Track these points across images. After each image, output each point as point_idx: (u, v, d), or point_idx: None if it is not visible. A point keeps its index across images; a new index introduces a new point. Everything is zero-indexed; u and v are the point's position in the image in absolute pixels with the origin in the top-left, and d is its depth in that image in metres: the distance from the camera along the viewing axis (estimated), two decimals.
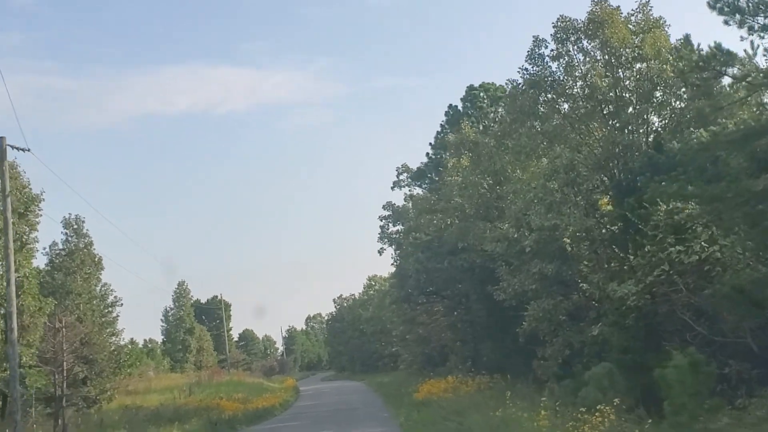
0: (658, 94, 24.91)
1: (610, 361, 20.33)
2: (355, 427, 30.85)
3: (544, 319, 23.55)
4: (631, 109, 24.61)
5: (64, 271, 53.39)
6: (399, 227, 50.52)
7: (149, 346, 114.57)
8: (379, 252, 51.81)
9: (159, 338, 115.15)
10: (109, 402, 47.88)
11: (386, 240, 50.92)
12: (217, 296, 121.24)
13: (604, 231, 22.84)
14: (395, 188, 48.56)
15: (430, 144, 46.21)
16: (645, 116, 24.77)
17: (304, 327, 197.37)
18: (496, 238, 24.42)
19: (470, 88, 42.16)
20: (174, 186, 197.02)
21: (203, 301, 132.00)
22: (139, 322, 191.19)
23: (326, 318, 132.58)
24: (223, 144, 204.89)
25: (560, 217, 22.65)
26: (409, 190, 49.38)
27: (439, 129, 44.88)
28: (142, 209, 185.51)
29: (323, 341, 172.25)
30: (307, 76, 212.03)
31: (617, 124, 24.08)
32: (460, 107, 42.74)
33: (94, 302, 56.38)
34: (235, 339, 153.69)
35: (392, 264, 52.47)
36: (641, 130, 24.43)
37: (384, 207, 50.06)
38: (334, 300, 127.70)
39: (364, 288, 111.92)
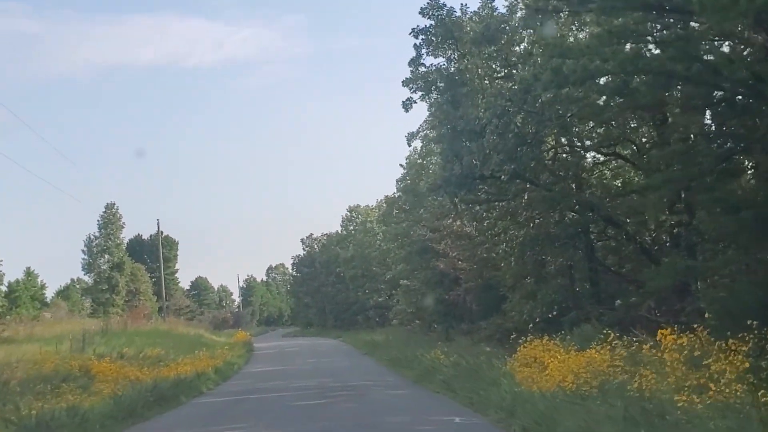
0: None
1: None
2: None
3: None
4: None
5: None
6: (442, 59, 27.25)
7: (77, 286, 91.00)
8: (404, 105, 28.36)
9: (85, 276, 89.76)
10: None
11: (419, 82, 27.57)
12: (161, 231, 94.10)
13: None
14: None
15: None
16: None
17: (265, 278, 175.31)
18: None
19: None
20: (135, 137, 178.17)
21: (145, 237, 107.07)
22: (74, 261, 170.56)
23: (292, 262, 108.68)
24: (188, 97, 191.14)
25: None
26: None
27: None
28: (100, 159, 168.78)
29: (286, 294, 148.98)
30: (275, 33, 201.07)
31: None
32: None
33: None
34: (186, 288, 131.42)
35: (427, 120, 30.24)
36: None
37: (423, 11, 26.35)
38: (302, 240, 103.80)
39: (343, 221, 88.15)
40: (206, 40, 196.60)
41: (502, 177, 22.49)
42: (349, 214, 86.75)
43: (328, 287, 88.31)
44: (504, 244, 31.41)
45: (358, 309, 76.95)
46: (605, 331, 17.03)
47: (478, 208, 31.52)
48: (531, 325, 27.23)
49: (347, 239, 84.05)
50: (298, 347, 60.08)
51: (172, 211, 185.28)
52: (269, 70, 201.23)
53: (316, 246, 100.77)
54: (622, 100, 19.51)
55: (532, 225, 29.47)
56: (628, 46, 18.06)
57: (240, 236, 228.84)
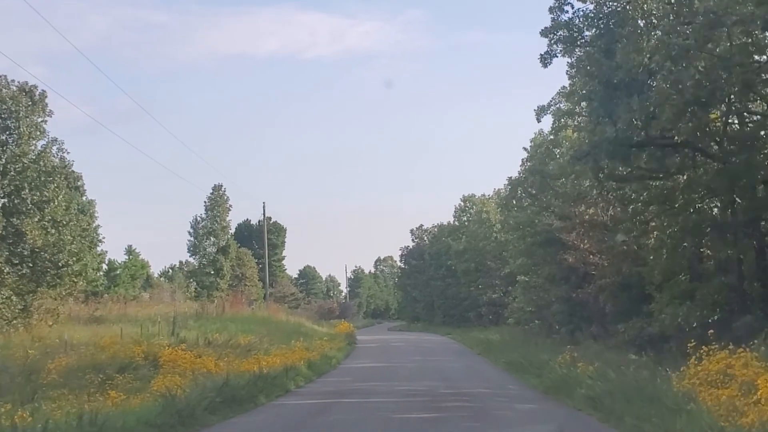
0: None
1: None
2: None
3: None
4: None
5: None
6: (590, 5, 22.31)
7: (184, 268, 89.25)
8: (542, 60, 23.36)
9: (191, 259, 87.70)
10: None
11: (560, 32, 22.65)
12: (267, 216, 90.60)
13: None
14: None
15: None
16: None
17: (373, 270, 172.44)
18: None
19: None
20: (256, 126, 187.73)
21: (254, 222, 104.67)
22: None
23: (400, 253, 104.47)
24: (307, 87, 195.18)
25: None
26: None
27: None
28: (222, 146, 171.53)
29: (393, 287, 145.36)
30: (395, 27, 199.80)
31: None
32: None
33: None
34: (294, 276, 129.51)
35: (561, 92, 25.84)
36: None
37: None
38: (411, 231, 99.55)
39: (455, 212, 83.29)
40: (326, 33, 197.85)
41: (675, 138, 17.41)
42: (462, 204, 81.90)
43: (437, 281, 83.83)
44: (655, 233, 26.19)
45: (470, 305, 72.11)
46: None
47: (621, 191, 26.44)
48: (710, 332, 22.20)
49: (460, 230, 79.27)
50: (404, 342, 56.06)
51: (283, 198, 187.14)
52: (386, 63, 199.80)
53: (426, 237, 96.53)
54: None
55: (692, 210, 24.23)
56: None
57: (349, 227, 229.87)
